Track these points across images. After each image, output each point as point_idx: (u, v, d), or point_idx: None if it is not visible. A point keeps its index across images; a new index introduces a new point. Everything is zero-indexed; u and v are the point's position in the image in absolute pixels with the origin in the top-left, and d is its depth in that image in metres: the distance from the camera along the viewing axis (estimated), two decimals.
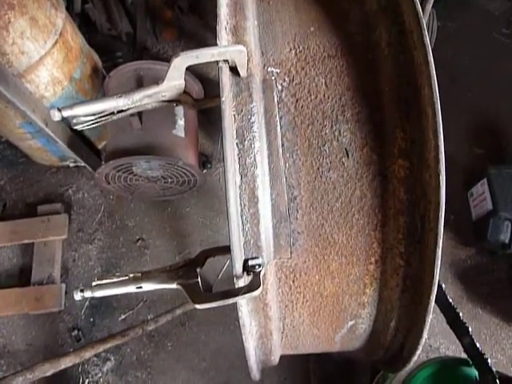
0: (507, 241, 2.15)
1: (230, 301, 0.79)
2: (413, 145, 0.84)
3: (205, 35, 3.05)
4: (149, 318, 2.21)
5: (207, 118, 2.56)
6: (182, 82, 0.83)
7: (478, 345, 1.36)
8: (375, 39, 0.92)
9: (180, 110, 2.11)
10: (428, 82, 0.81)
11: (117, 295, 2.32)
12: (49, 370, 1.41)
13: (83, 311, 2.30)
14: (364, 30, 0.95)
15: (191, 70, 2.40)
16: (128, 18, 2.94)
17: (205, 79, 2.59)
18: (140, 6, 2.95)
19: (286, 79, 0.91)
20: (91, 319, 2.29)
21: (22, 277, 2.39)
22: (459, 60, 2.93)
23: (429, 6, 2.06)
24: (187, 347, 2.22)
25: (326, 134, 0.88)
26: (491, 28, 3.10)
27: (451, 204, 2.44)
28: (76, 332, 2.24)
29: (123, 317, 2.28)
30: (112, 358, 2.20)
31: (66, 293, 2.31)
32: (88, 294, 0.93)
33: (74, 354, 1.43)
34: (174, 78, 0.82)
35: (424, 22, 0.86)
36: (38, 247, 2.38)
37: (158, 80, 0.84)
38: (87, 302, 2.31)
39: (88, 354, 1.49)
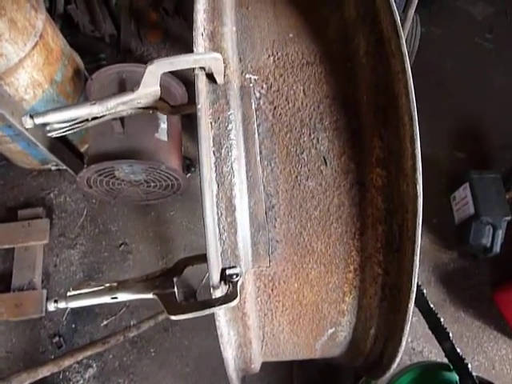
0: (489, 244, 2.18)
1: (206, 312, 0.78)
2: (390, 154, 0.84)
3: (190, 37, 3.02)
4: (131, 323, 2.18)
5: (191, 121, 2.54)
6: (158, 88, 0.81)
7: (458, 350, 1.37)
8: (354, 47, 0.92)
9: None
10: (405, 91, 0.81)
11: None
12: (26, 379, 1.38)
13: (65, 317, 2.26)
14: (343, 37, 0.94)
15: (175, 73, 2.38)
16: (112, 19, 2.90)
17: (189, 82, 2.56)
18: (124, 7, 2.92)
19: (264, 86, 0.90)
20: (73, 325, 2.25)
21: (1, 282, 2.33)
22: (443, 65, 2.97)
23: (411, 12, 2.08)
24: (170, 353, 2.20)
25: (304, 141, 0.87)
26: (474, 33, 3.14)
27: (434, 208, 2.48)
28: (57, 339, 2.20)
29: (105, 323, 2.25)
30: (94, 365, 2.17)
31: (47, 299, 2.27)
32: (62, 304, 0.91)
33: (53, 362, 1.40)
34: (149, 85, 0.80)
35: (401, 30, 0.86)
36: (19, 252, 2.33)
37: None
38: (69, 308, 2.27)
39: (67, 362, 1.47)
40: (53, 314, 2.26)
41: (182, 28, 3.08)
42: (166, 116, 2.09)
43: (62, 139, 2.23)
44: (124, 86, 2.08)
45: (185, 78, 2.46)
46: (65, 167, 2.28)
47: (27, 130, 1.89)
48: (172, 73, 2.27)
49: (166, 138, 2.07)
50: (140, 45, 2.98)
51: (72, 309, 2.28)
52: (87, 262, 2.38)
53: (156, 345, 2.21)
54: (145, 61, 2.88)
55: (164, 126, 2.07)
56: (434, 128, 2.60)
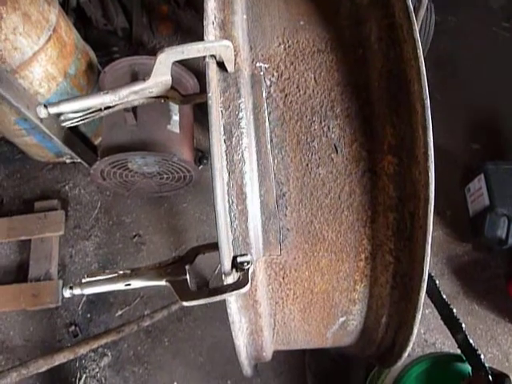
0: (504, 237, 2.15)
1: (218, 298, 0.79)
2: (402, 141, 0.83)
3: (201, 29, 3.03)
4: (145, 313, 2.21)
5: (203, 112, 2.55)
6: (169, 77, 0.82)
7: (471, 341, 1.36)
8: (365, 33, 0.91)
9: (175, 105, 2.10)
10: (417, 78, 0.80)
11: (114, 291, 2.33)
12: (43, 366, 1.42)
13: (80, 307, 2.30)
14: (354, 23, 0.93)
15: (187, 65, 2.39)
16: (124, 13, 2.92)
17: (201, 74, 2.57)
18: (136, 0, 2.94)
19: (275, 74, 0.90)
20: (88, 315, 2.29)
21: (19, 273, 2.39)
22: (458, 54, 2.91)
23: (425, 0, 2.04)
24: (184, 342, 2.23)
25: (314, 129, 0.87)
26: (491, 22, 3.07)
27: (448, 199, 2.45)
28: (73, 328, 2.24)
29: (120, 313, 2.29)
30: (109, 354, 2.21)
31: (63, 289, 2.31)
32: (77, 291, 0.93)
33: (69, 350, 1.44)
34: (161, 74, 0.81)
35: (414, 15, 0.85)
36: (35, 243, 2.38)
37: None
38: (84, 298, 2.32)
39: (82, 350, 1.50)
40: (69, 304, 2.31)
41: (194, 20, 3.09)
42: (177, 108, 2.10)
43: (76, 132, 2.27)
44: (136, 78, 2.07)
45: (196, 70, 2.47)
46: (79, 160, 2.32)
47: (42, 122, 1.93)
48: (184, 65, 2.28)
49: (178, 130, 2.08)
50: (152, 37, 2.99)
51: (87, 299, 2.33)
52: (102, 253, 2.42)
53: (170, 334, 2.24)
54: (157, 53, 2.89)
55: (176, 117, 2.08)
56: (449, 119, 2.56)
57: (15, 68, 1.80)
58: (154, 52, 2.95)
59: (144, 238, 2.46)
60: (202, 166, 2.55)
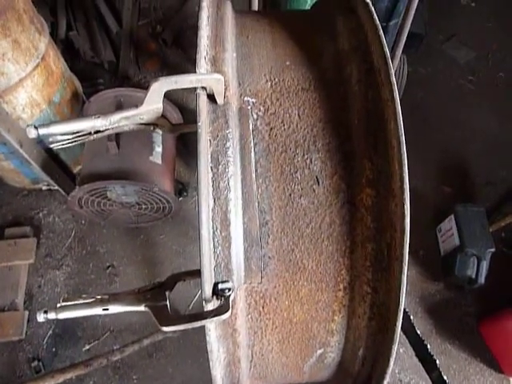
0: (474, 276, 2.22)
1: (198, 324, 0.79)
2: (379, 175, 0.88)
3: (187, 68, 3.14)
4: (115, 348, 2.12)
5: (185, 147, 2.59)
6: (161, 105, 0.85)
7: (445, 377, 1.37)
8: (346, 75, 0.98)
9: (158, 137, 2.13)
10: (394, 117, 0.86)
11: (82, 324, 2.24)
12: None
13: (45, 340, 2.19)
14: (336, 66, 1.00)
15: (171, 100, 2.45)
16: (112, 47, 3.00)
17: (184, 109, 2.63)
18: (124, 36, 3.03)
19: (262, 109, 0.95)
20: (53, 349, 2.18)
21: None
22: (429, 103, 3.10)
23: (399, 52, 2.20)
24: (154, 380, 2.14)
25: (298, 161, 0.91)
26: (458, 75, 3.31)
27: (420, 239, 2.53)
28: (36, 363, 2.12)
29: (88, 347, 2.19)
30: None
31: (28, 321, 2.21)
32: (52, 315, 0.90)
33: (32, 383, 1.36)
34: (153, 102, 0.84)
35: (391, 62, 0.93)
36: (2, 271, 2.29)
37: None
38: (50, 331, 2.21)
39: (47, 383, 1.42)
40: (33, 337, 2.20)
41: (180, 59, 3.20)
42: (160, 140, 2.13)
43: (56, 159, 2.25)
44: (121, 110, 2.12)
45: (180, 105, 2.54)
46: (56, 187, 2.29)
47: (22, 147, 1.91)
48: (168, 99, 2.33)
49: (160, 162, 2.10)
50: (138, 72, 3.07)
51: (53, 332, 2.22)
52: (72, 283, 2.34)
53: (139, 371, 2.14)
54: (142, 87, 2.95)
55: (159, 149, 2.11)
56: (421, 162, 2.70)
57: (0, 92, 1.81)
58: (139, 86, 3.01)
59: (118, 269, 2.41)
60: (181, 198, 2.56)
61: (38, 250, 2.40)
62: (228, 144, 0.88)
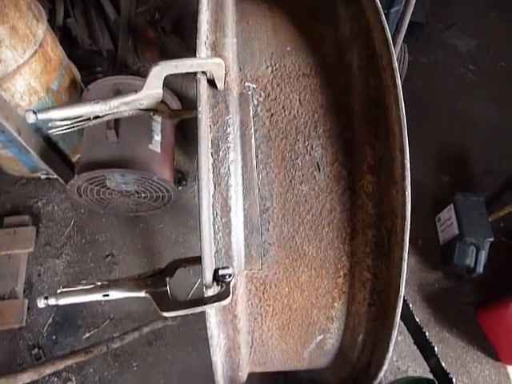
0: (472, 265, 2.23)
1: (199, 309, 0.79)
2: (381, 161, 0.88)
3: (186, 56, 3.10)
4: (115, 336, 2.14)
5: (184, 136, 2.57)
6: (161, 91, 0.84)
7: (443, 364, 1.38)
8: (348, 61, 0.97)
9: (157, 126, 2.12)
10: (395, 102, 0.85)
11: (82, 312, 2.24)
12: None
13: (45, 328, 2.20)
14: (337, 52, 0.99)
15: (170, 89, 2.43)
16: (110, 35, 2.97)
17: (184, 98, 2.61)
18: (123, 24, 2.99)
19: (262, 94, 0.94)
20: (53, 337, 2.19)
21: None
22: (429, 92, 3.08)
23: (400, 40, 2.18)
24: (153, 368, 2.15)
25: (298, 148, 0.91)
26: (459, 64, 3.29)
27: (420, 229, 2.53)
28: (36, 350, 2.13)
29: (87, 335, 2.20)
30: (73, 379, 2.10)
31: (28, 308, 2.22)
32: (52, 301, 0.91)
33: (33, 369, 1.37)
34: (153, 87, 0.84)
35: (393, 48, 0.92)
36: (2, 260, 2.29)
37: None
38: (50, 319, 2.22)
39: (48, 370, 1.43)
40: (33, 325, 2.21)
41: (179, 47, 3.16)
42: (159, 128, 2.12)
43: (54, 147, 2.24)
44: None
45: (179, 93, 2.52)
46: (55, 176, 2.28)
47: (20, 135, 1.90)
48: (166, 87, 2.32)
49: (159, 150, 2.09)
50: (136, 60, 3.04)
51: (53, 320, 2.23)
52: (72, 272, 2.35)
53: (139, 359, 2.16)
54: (141, 75, 2.92)
55: (158, 138, 2.10)
56: (421, 152, 2.67)
57: None
58: (137, 74, 2.98)
59: (117, 257, 2.41)
60: (180, 187, 2.55)
61: (38, 239, 2.40)
62: (228, 130, 0.87)
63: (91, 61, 2.93)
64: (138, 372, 2.14)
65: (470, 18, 3.51)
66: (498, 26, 3.49)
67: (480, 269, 2.22)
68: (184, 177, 2.59)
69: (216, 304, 0.78)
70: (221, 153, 0.85)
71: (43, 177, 2.48)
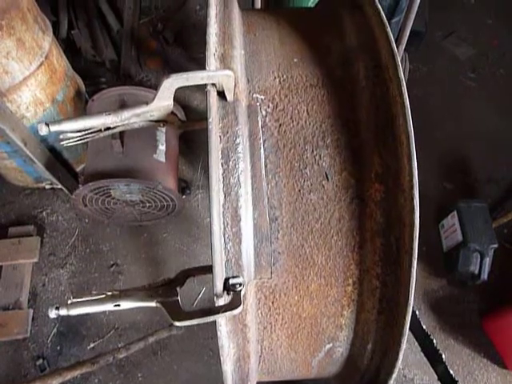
0: (477, 272, 2.22)
1: (211, 318, 0.79)
2: (388, 170, 0.89)
3: (189, 66, 3.14)
4: (119, 346, 2.13)
5: (187, 146, 2.59)
6: (171, 102, 0.86)
7: (451, 371, 1.38)
8: (354, 72, 0.98)
9: (162, 136, 2.13)
10: (402, 112, 0.87)
11: (86, 322, 2.24)
12: None
13: (50, 339, 2.20)
14: (344, 63, 1.01)
15: (174, 99, 2.45)
16: (113, 46, 3.00)
17: (187, 107, 2.64)
18: (126, 35, 3.02)
19: (270, 105, 0.95)
20: (58, 347, 2.19)
21: None
22: (430, 100, 3.11)
23: (401, 49, 2.20)
24: (159, 378, 2.14)
25: (307, 157, 0.92)
26: (458, 72, 3.32)
27: (423, 236, 2.51)
28: (41, 361, 2.13)
29: (92, 345, 2.19)
30: None
31: (32, 319, 2.22)
32: (64, 311, 0.91)
33: (40, 380, 1.37)
34: (164, 99, 0.85)
35: (398, 58, 0.93)
36: (6, 270, 2.29)
37: None
38: (55, 329, 2.22)
39: (55, 381, 1.43)
40: (37, 336, 2.21)
41: (181, 57, 3.20)
42: (164, 138, 2.13)
43: (59, 158, 2.26)
44: (132, 107, 2.12)
45: (183, 104, 2.54)
46: (59, 186, 2.29)
47: (26, 146, 1.91)
48: None
49: (163, 160, 2.10)
50: (139, 71, 3.07)
51: (58, 330, 2.23)
52: (76, 281, 2.35)
53: (144, 369, 2.15)
54: (144, 86, 2.95)
55: (162, 147, 2.11)
56: (423, 159, 2.68)
57: (4, 91, 1.81)
58: (141, 85, 3.01)
59: (121, 267, 2.41)
60: (185, 196, 2.56)
61: (42, 249, 2.40)
62: (238, 140, 0.88)
63: (95, 71, 2.97)
64: (143, 382, 2.13)
65: (468, 26, 3.55)
66: (496, 34, 3.52)
67: (484, 275, 2.22)
68: (188, 186, 2.60)
69: (227, 313, 0.79)
70: (230, 163, 0.86)
71: (47, 187, 2.50)
